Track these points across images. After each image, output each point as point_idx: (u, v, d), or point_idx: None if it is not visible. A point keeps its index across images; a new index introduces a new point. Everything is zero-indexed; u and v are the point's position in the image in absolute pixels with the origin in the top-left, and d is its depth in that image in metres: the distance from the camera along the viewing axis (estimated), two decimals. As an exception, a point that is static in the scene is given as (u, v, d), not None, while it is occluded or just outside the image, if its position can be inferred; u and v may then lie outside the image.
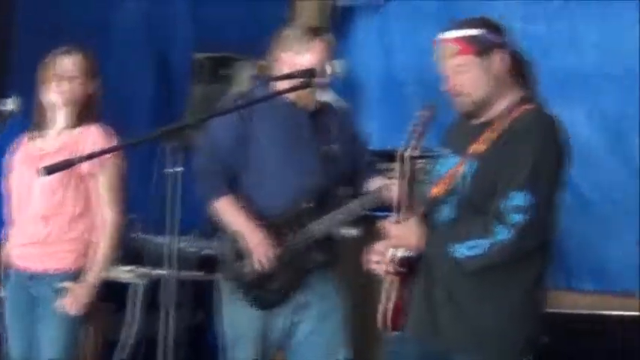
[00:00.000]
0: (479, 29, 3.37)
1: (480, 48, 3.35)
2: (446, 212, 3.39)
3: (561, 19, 5.63)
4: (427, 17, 6.02)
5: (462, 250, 3.25)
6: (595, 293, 5.33)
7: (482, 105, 3.38)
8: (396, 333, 3.50)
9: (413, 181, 3.37)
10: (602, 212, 5.39)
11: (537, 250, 3.32)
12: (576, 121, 5.41)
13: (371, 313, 3.56)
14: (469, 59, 3.35)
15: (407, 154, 3.35)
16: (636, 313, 4.97)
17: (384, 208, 3.95)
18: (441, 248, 3.31)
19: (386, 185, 4.21)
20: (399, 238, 3.39)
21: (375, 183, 4.37)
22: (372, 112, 6.27)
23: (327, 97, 4.54)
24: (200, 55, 5.48)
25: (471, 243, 3.24)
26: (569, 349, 4.79)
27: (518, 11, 5.72)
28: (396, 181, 3.90)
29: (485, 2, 5.73)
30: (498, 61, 3.36)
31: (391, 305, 3.45)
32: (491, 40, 3.37)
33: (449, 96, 3.40)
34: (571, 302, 5.20)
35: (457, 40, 3.37)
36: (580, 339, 4.88)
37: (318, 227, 4.23)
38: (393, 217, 3.40)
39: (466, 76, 3.36)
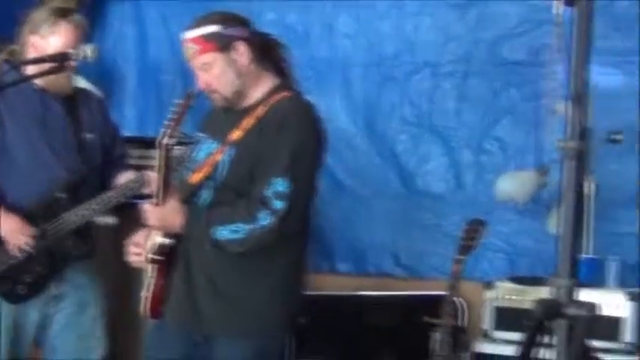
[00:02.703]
0: (216, 25, 3.39)
1: (220, 44, 3.38)
2: (204, 196, 3.42)
3: (314, 9, 5.70)
4: (178, 7, 5.97)
5: (224, 233, 3.30)
6: (354, 275, 5.42)
7: (236, 98, 3.43)
8: (156, 321, 3.50)
9: (169, 168, 3.37)
10: (358, 197, 5.48)
11: (295, 236, 3.40)
12: (332, 109, 5.53)
13: (132, 302, 3.52)
14: (211, 56, 3.39)
15: (164, 141, 3.35)
16: (392, 293, 5.12)
17: (143, 196, 3.91)
18: (201, 231, 3.32)
19: (138, 176, 4.16)
20: (163, 220, 3.38)
21: (124, 176, 4.27)
22: (128, 100, 6.18)
23: (79, 83, 4.42)
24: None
25: (234, 227, 3.29)
26: (330, 328, 4.89)
27: (271, 3, 5.76)
28: (151, 170, 3.94)
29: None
30: (241, 53, 3.40)
31: (150, 293, 3.46)
32: (230, 34, 3.40)
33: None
34: (333, 284, 5.29)
35: (196, 39, 3.40)
36: (340, 319, 4.98)
37: (73, 218, 4.11)
38: (153, 200, 3.38)
39: (212, 74, 3.40)
